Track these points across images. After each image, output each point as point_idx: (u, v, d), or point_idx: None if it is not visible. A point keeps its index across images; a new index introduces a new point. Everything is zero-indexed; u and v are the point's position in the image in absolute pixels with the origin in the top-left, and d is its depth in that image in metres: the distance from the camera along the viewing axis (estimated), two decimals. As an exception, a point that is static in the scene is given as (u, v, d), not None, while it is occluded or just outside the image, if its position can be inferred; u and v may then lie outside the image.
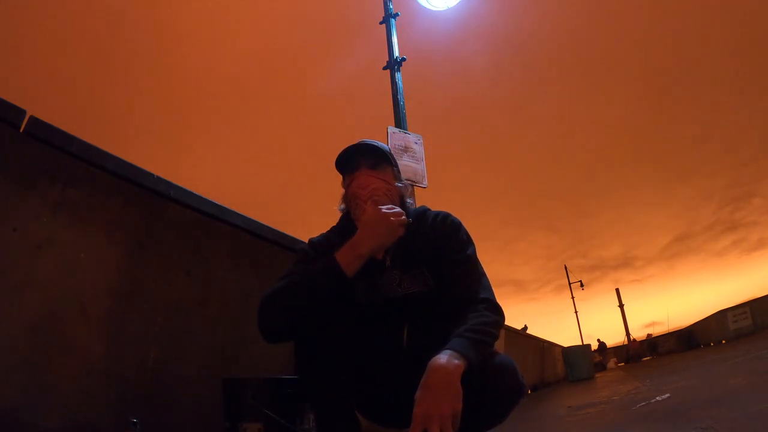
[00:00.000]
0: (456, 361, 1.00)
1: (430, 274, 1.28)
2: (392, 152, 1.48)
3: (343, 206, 1.40)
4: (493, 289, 1.28)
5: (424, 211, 1.39)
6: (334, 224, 1.43)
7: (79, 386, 1.46)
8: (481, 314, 1.16)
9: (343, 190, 1.39)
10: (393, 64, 4.75)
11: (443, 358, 1.01)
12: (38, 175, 1.45)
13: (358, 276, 1.19)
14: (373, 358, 1.24)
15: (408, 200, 1.40)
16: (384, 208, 1.22)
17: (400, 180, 1.40)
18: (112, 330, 1.59)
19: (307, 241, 1.42)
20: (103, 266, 1.61)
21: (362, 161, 1.34)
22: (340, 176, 1.40)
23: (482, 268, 1.32)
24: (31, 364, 1.36)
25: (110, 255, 1.63)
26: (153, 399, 1.68)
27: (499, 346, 1.20)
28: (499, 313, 1.21)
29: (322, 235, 1.40)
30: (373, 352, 1.24)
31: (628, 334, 26.77)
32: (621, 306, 27.95)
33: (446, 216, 1.36)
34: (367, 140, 1.40)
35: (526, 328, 11.08)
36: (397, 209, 1.24)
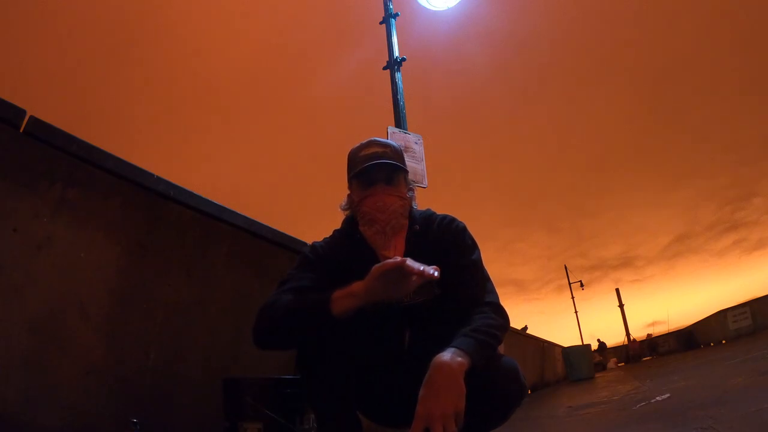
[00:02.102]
0: (459, 359, 1.00)
1: (435, 279, 1.27)
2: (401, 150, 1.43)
3: (345, 205, 1.39)
4: (497, 293, 1.28)
5: (429, 215, 1.38)
6: (337, 228, 1.42)
7: (79, 386, 1.46)
8: (487, 316, 1.16)
9: (348, 191, 1.38)
10: (393, 64, 4.75)
11: (447, 355, 1.01)
12: (38, 175, 1.45)
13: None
14: (374, 359, 1.24)
15: (413, 206, 1.39)
16: (409, 264, 1.04)
17: (409, 183, 1.38)
18: (112, 330, 1.59)
19: (308, 239, 1.41)
20: (103, 266, 1.61)
21: (379, 177, 1.29)
22: (340, 174, 1.39)
23: (487, 272, 1.32)
24: (31, 364, 1.36)
25: (110, 255, 1.63)
26: (153, 399, 1.68)
27: (500, 346, 1.20)
28: (504, 317, 1.21)
29: (325, 241, 1.39)
30: (374, 352, 1.24)
31: (628, 334, 26.79)
32: (621, 306, 27.96)
33: (452, 220, 1.36)
34: (379, 141, 1.35)
35: (526, 328, 11.07)
36: (423, 270, 1.04)
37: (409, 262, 1.04)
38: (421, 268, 1.04)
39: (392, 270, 1.04)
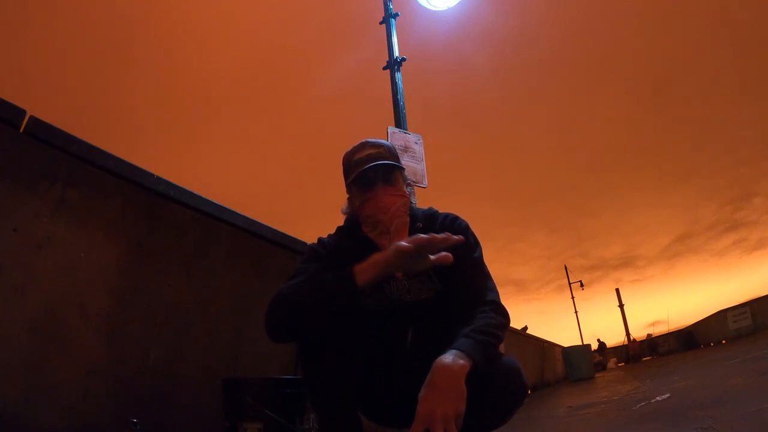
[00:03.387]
0: (461, 361, 1.00)
1: (437, 276, 1.27)
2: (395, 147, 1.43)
3: (347, 209, 1.39)
4: (498, 291, 1.28)
5: (432, 214, 1.39)
6: (340, 224, 1.42)
7: (79, 386, 1.46)
8: (487, 315, 1.16)
9: (347, 195, 1.37)
10: (393, 64, 4.75)
11: (448, 357, 1.01)
12: (38, 175, 1.45)
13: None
14: (376, 358, 1.24)
15: (412, 202, 1.39)
16: (426, 240, 1.12)
17: (406, 179, 1.38)
18: (112, 330, 1.59)
19: (308, 239, 1.41)
20: (103, 266, 1.61)
21: (377, 178, 1.29)
22: (340, 174, 1.39)
23: (488, 270, 1.32)
24: (31, 364, 1.36)
25: (110, 255, 1.63)
26: (153, 399, 1.68)
27: (500, 346, 1.20)
28: (504, 315, 1.21)
29: (330, 236, 1.40)
30: (376, 351, 1.24)
31: (628, 334, 26.80)
32: (621, 306, 27.97)
33: (455, 218, 1.36)
34: (371, 143, 1.35)
35: (526, 328, 11.07)
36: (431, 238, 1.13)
37: (419, 237, 1.11)
38: (431, 237, 1.11)
39: (408, 252, 1.10)
